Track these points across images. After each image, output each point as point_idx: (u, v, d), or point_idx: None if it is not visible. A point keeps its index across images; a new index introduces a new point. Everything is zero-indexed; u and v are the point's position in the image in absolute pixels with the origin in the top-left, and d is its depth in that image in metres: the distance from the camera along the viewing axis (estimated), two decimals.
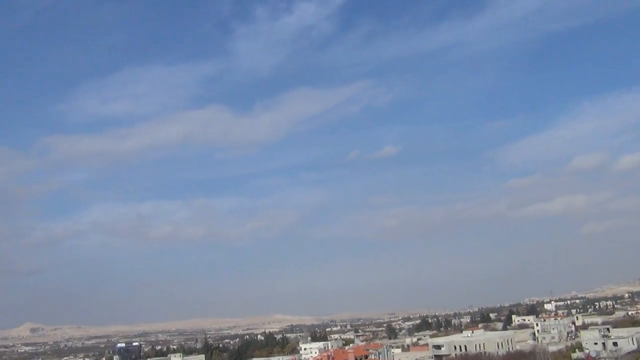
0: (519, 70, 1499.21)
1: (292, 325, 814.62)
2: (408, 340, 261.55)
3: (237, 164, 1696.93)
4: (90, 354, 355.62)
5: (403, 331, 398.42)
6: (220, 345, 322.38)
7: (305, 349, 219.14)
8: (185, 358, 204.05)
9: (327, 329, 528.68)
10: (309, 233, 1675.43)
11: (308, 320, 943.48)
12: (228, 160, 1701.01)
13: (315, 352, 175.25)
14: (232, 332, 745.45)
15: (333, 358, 78.81)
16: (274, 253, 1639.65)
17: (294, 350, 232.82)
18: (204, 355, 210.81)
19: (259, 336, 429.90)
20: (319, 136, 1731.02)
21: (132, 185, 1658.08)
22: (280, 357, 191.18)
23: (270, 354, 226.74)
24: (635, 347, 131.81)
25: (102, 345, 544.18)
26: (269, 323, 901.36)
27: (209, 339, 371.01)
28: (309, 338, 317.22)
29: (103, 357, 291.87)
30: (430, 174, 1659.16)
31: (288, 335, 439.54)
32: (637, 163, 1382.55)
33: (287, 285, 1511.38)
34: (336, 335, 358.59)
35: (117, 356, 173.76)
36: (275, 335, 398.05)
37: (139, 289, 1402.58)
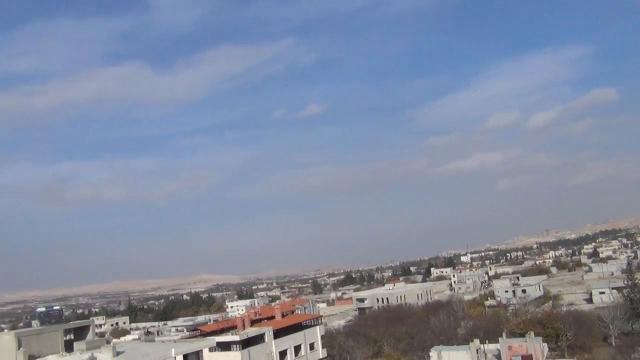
0: (439, 31, 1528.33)
1: (218, 284, 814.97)
2: (333, 295, 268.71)
3: (158, 124, 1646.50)
4: (7, 320, 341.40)
5: (328, 286, 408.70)
6: (145, 307, 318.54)
7: (232, 307, 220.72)
8: (108, 320, 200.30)
9: (254, 287, 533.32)
10: (233, 193, 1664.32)
11: (234, 279, 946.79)
12: (148, 119, 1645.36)
13: (242, 310, 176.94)
14: (157, 294, 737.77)
15: (260, 314, 79.90)
16: (198, 213, 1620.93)
17: (221, 309, 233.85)
18: (128, 317, 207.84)
19: (184, 296, 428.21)
20: (243, 95, 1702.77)
21: (45, 145, 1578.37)
22: (207, 316, 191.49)
23: (196, 313, 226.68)
24: (541, 293, 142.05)
25: (19, 311, 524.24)
26: (195, 283, 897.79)
27: (133, 301, 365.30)
28: (236, 296, 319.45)
29: (20, 322, 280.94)
30: (354, 133, 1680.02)
31: (214, 294, 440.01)
32: (547, 121, 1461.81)
33: (212, 245, 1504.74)
34: (262, 293, 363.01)
35: (37, 321, 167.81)
36: (201, 295, 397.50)
37: (56, 252, 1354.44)
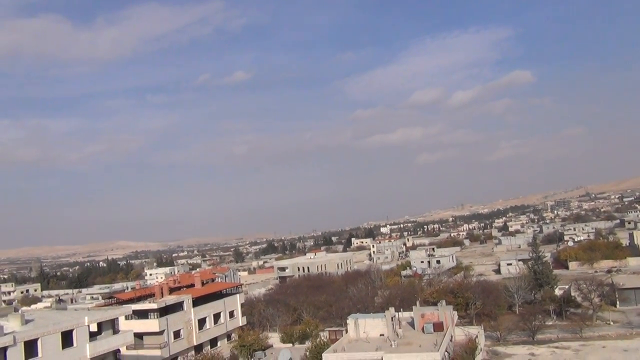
0: (369, 4, 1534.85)
1: (136, 251, 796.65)
2: (255, 264, 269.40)
3: (76, 83, 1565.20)
4: None
5: (250, 255, 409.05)
6: (58, 274, 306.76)
7: (150, 275, 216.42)
8: (18, 287, 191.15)
9: (174, 255, 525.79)
10: (156, 158, 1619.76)
11: (154, 246, 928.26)
12: (66, 78, 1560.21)
13: (161, 278, 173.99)
14: (71, 260, 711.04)
15: (179, 282, 78.94)
16: (118, 178, 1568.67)
17: (139, 277, 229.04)
18: (39, 284, 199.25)
19: (100, 263, 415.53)
20: (168, 57, 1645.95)
21: None
22: (125, 284, 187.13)
23: (113, 281, 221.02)
24: (454, 264, 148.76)
25: None
26: (112, 250, 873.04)
27: (45, 268, 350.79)
28: (155, 264, 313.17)
29: None
30: (281, 102, 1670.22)
31: (132, 261, 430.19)
32: (467, 99, 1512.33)
33: (132, 211, 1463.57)
34: (183, 261, 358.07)
35: None
36: (119, 262, 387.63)
37: None
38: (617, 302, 77.90)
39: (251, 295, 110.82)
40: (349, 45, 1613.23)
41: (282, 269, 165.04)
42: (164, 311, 61.71)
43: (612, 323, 68.96)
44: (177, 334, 62.81)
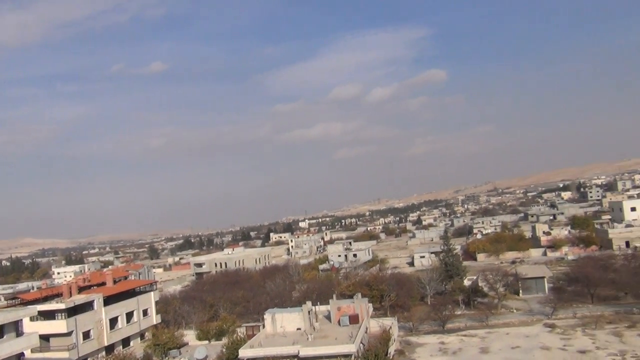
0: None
1: (43, 249, 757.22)
2: (170, 260, 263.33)
3: None
4: None
5: (166, 251, 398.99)
6: None
7: (58, 274, 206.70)
8: None
9: (84, 252, 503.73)
10: (66, 151, 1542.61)
11: (62, 243, 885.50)
12: None
13: (70, 276, 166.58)
14: None
15: (89, 281, 75.78)
16: (23, 171, 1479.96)
17: (46, 276, 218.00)
18: None
19: (3, 262, 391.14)
20: (80, 45, 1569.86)
21: None
22: (30, 283, 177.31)
23: (17, 280, 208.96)
24: (370, 257, 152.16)
25: None
26: (17, 247, 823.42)
27: None
28: (63, 262, 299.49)
29: None
30: (200, 95, 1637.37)
31: (39, 260, 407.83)
32: (385, 96, 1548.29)
33: (39, 206, 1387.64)
34: (94, 258, 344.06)
35: None
36: (24, 261, 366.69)
37: None
38: (520, 291, 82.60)
39: (166, 292, 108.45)
40: (270, 39, 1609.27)
41: (199, 265, 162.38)
42: (73, 311, 59.05)
43: (515, 311, 73.07)
44: (86, 335, 60.29)
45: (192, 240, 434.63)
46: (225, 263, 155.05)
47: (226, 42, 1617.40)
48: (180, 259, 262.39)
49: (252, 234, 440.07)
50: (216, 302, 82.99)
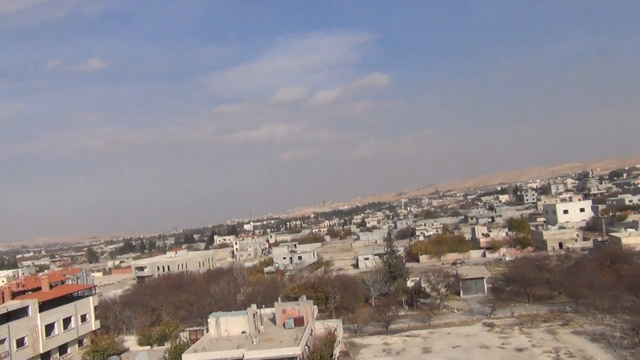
0: None
1: None
2: (110, 264, 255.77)
3: None
4: None
5: (105, 255, 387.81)
6: None
7: None
8: None
9: (18, 256, 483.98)
10: (1, 150, 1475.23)
11: None
12: None
13: (3, 281, 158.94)
14: None
15: (23, 285, 72.59)
16: None
17: None
18: None
19: None
20: (13, 40, 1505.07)
21: None
22: None
23: None
24: (315, 259, 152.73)
25: None
26: None
27: None
28: None
29: None
30: (141, 94, 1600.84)
31: None
32: (329, 99, 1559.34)
33: None
34: (29, 262, 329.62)
35: None
36: None
37: None
38: (461, 292, 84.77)
39: (106, 297, 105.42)
40: (214, 39, 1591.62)
41: (141, 268, 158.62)
42: (5, 318, 56.49)
43: (456, 311, 74.92)
44: (20, 342, 57.78)
45: (133, 244, 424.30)
46: (168, 266, 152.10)
47: (168, 41, 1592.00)
48: (120, 262, 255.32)
49: (196, 236, 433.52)
50: (158, 306, 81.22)
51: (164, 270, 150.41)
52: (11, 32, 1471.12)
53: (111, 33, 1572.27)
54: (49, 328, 62.83)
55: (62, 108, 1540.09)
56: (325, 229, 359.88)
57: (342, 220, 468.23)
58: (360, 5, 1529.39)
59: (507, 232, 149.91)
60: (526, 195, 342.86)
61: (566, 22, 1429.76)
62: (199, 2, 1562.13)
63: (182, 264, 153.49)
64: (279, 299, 63.95)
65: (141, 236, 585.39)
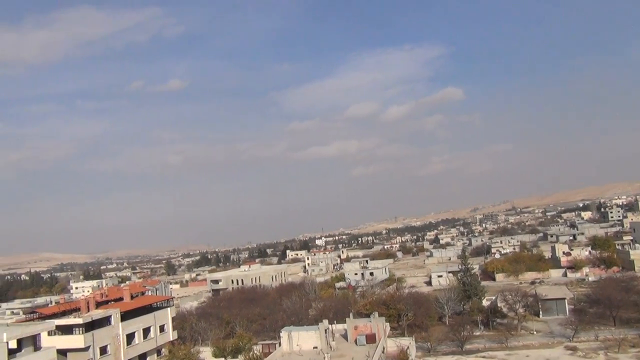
0: (308, 16, 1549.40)
1: (62, 264, 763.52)
2: (187, 276, 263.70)
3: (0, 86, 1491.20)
4: None
5: (182, 267, 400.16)
6: None
7: (76, 288, 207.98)
8: None
9: (102, 267, 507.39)
10: (85, 167, 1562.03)
11: (81, 258, 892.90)
12: None
13: (88, 291, 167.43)
14: None
15: (107, 296, 76.06)
16: (44, 187, 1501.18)
17: (64, 290, 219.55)
18: None
19: (22, 276, 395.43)
20: (100, 63, 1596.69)
21: None
22: (48, 297, 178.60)
23: (36, 295, 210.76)
24: (387, 276, 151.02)
25: None
26: (36, 262, 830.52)
27: None
28: (82, 277, 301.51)
29: None
30: (216, 111, 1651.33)
31: (58, 274, 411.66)
32: (401, 114, 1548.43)
33: (59, 221, 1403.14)
34: (112, 274, 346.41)
35: None
36: (43, 275, 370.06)
37: None
38: (540, 312, 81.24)
39: (183, 308, 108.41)
40: (287, 56, 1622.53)
41: (216, 281, 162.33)
42: (90, 326, 59.25)
43: (535, 332, 71.83)
44: (103, 350, 60.39)
45: (209, 257, 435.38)
46: (242, 280, 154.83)
47: (243, 59, 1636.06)
48: (197, 275, 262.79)
49: (269, 251, 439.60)
50: (232, 319, 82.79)
51: (237, 283, 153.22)
52: (99, 56, 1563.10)
53: (190, 54, 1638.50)
54: (130, 337, 65.33)
55: (143, 126, 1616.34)
56: (398, 245, 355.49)
57: (415, 237, 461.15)
58: (432, 20, 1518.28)
59: (590, 251, 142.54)
60: (611, 212, 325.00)
61: None
62: (273, 20, 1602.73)
63: (255, 278, 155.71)
64: (351, 315, 63.58)
65: (216, 250, 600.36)
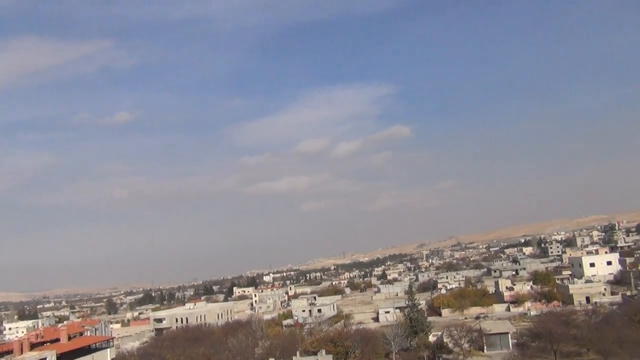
0: (260, 53, 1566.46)
1: None
2: (129, 315, 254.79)
3: None
4: None
5: (124, 306, 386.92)
6: None
7: (10, 329, 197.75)
8: None
9: (39, 306, 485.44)
10: (25, 201, 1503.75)
11: (16, 296, 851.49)
12: None
13: (23, 332, 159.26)
14: None
15: (42, 337, 72.58)
16: None
17: None
18: None
19: None
20: (45, 93, 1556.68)
21: None
22: None
23: None
24: (335, 312, 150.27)
25: None
26: None
27: None
28: (16, 316, 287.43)
29: None
30: (165, 145, 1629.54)
31: None
32: (351, 150, 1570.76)
33: None
34: (49, 313, 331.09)
35: None
36: None
37: None
38: (485, 347, 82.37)
39: (123, 349, 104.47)
40: (238, 92, 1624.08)
41: (159, 320, 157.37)
42: None
43: None
44: None
45: (153, 295, 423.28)
46: (187, 318, 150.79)
47: (194, 94, 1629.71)
48: (139, 313, 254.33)
49: (215, 288, 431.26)
50: (176, 359, 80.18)
51: (182, 322, 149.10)
52: (44, 86, 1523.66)
53: (139, 87, 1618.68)
54: None
55: (89, 159, 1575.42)
56: (346, 281, 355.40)
57: (363, 272, 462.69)
58: (382, 60, 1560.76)
59: (531, 286, 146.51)
60: (551, 248, 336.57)
61: (584, 74, 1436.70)
62: (225, 56, 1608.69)
63: (200, 316, 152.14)
64: (298, 353, 62.82)
65: (161, 287, 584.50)
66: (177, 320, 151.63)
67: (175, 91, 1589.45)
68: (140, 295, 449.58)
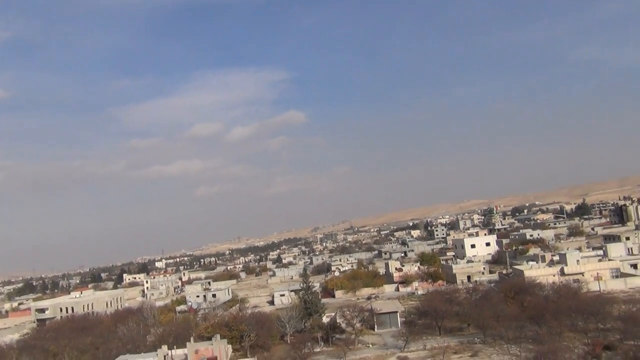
0: (151, 32, 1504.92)
1: None
2: (7, 306, 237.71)
3: None
4: None
5: (2, 296, 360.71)
6: None
7: None
8: None
9: None
10: None
11: None
12: None
13: None
14: None
15: None
16: None
17: None
18: None
19: None
20: None
21: None
22: None
23: None
24: (230, 297, 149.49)
25: None
26: None
27: None
28: None
29: None
30: (46, 126, 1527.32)
31: None
32: (245, 135, 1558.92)
33: None
34: None
35: None
36: None
37: None
38: (375, 326, 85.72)
39: (1, 342, 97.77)
40: (126, 72, 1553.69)
41: (41, 310, 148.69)
42: None
43: (371, 345, 75.57)
44: None
45: (34, 284, 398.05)
46: (72, 307, 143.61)
47: (78, 73, 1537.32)
48: (19, 304, 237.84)
49: (104, 275, 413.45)
50: (60, 350, 76.25)
51: (67, 311, 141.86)
52: None
53: (16, 63, 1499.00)
54: None
55: None
56: (241, 266, 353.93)
57: (258, 257, 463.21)
58: (277, 45, 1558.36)
59: (419, 267, 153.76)
60: (436, 231, 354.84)
61: (470, 67, 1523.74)
62: (112, 35, 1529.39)
63: (87, 305, 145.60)
64: (192, 338, 62.02)
65: (43, 276, 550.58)
66: (61, 310, 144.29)
67: (57, 70, 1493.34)
68: (20, 285, 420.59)
